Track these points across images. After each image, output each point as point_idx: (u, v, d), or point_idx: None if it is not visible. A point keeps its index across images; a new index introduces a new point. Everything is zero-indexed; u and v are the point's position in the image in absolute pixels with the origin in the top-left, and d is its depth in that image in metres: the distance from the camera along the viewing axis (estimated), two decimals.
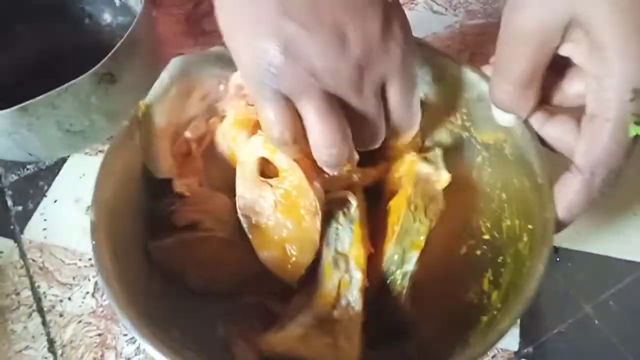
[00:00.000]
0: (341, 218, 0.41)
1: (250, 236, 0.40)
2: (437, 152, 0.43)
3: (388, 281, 0.40)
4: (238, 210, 0.40)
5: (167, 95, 0.41)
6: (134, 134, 0.40)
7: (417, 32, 0.36)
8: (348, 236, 0.40)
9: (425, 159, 0.43)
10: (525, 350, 0.47)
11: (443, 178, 0.42)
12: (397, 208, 0.41)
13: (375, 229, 0.42)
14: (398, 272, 0.39)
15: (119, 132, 0.40)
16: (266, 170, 0.41)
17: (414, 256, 0.39)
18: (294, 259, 0.40)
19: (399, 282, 0.40)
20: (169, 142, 0.42)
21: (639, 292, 0.49)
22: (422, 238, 0.40)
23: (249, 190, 0.40)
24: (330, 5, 0.32)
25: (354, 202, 0.41)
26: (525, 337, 0.47)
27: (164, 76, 0.41)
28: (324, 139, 0.34)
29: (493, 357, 0.47)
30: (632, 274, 0.49)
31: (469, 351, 0.33)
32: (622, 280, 0.49)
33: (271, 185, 0.40)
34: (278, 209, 0.40)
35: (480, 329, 0.36)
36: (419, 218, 0.40)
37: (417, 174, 0.42)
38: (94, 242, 0.35)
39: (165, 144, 0.41)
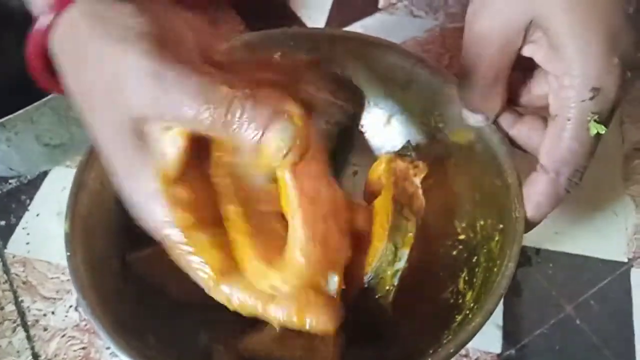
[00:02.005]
0: None
1: None
2: (408, 145, 0.45)
3: (375, 281, 0.41)
4: None
5: None
6: None
7: (398, 37, 0.38)
8: None
9: (400, 156, 0.44)
10: (508, 353, 0.48)
11: (420, 168, 0.43)
12: (383, 207, 0.43)
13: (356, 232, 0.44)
14: (389, 270, 0.41)
15: (89, 145, 0.41)
16: None
17: (405, 253, 0.40)
18: None
19: (388, 281, 0.41)
20: None
21: (619, 292, 0.50)
22: (411, 235, 0.41)
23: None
24: None
25: None
26: (508, 339, 0.48)
27: None
28: None
29: (476, 359, 0.48)
30: (612, 273, 0.51)
31: (442, 351, 0.35)
32: (603, 280, 0.51)
33: None
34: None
35: (454, 328, 0.38)
36: (406, 215, 0.42)
37: (396, 171, 0.44)
38: (68, 253, 0.37)
39: None
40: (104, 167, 0.40)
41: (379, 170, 0.45)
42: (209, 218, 0.32)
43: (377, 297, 0.41)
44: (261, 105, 0.27)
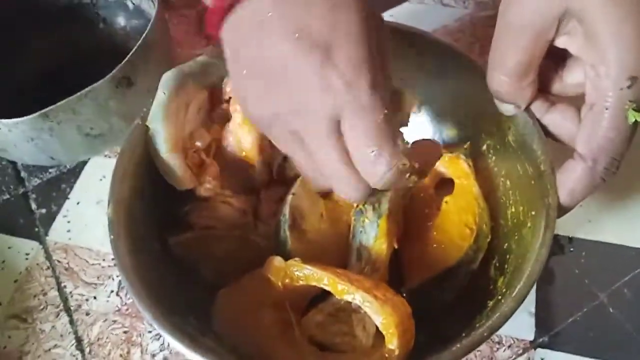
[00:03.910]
0: (370, 212, 0.44)
1: (287, 233, 0.43)
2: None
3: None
4: (286, 206, 0.44)
5: (167, 111, 0.43)
6: (145, 136, 0.43)
7: (427, 26, 0.39)
8: (374, 230, 0.43)
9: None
10: (541, 340, 0.49)
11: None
12: (464, 207, 0.46)
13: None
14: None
15: (130, 133, 0.43)
16: None
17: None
18: (333, 258, 0.44)
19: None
20: (182, 156, 0.44)
21: None
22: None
23: (305, 193, 0.44)
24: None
25: (385, 198, 0.44)
26: (541, 326, 0.49)
27: (160, 93, 0.43)
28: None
29: (509, 346, 0.49)
30: None
31: (475, 335, 0.35)
32: (636, 268, 0.51)
33: (324, 198, 0.45)
34: (323, 220, 0.44)
35: (486, 313, 0.39)
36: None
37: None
38: (112, 237, 0.39)
39: (179, 158, 0.43)
40: (150, 152, 0.43)
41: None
42: None
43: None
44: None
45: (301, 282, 0.41)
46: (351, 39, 0.33)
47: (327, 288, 0.40)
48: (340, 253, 0.45)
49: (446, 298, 0.44)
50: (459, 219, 0.46)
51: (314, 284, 0.40)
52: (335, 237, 0.46)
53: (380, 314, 0.38)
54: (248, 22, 0.34)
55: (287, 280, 0.41)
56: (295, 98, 0.34)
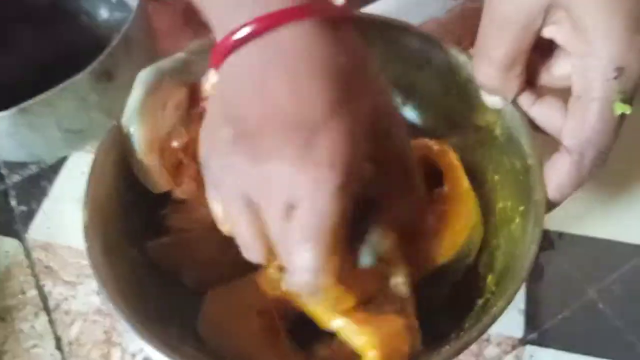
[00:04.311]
0: None
1: None
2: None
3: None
4: None
5: (143, 110, 0.41)
6: (120, 137, 0.42)
7: (418, 17, 0.38)
8: None
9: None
10: (530, 337, 0.49)
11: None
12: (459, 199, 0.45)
13: None
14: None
15: (107, 133, 0.42)
16: None
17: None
18: None
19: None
20: (157, 157, 0.43)
21: None
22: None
23: None
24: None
25: None
26: (530, 323, 0.49)
27: (136, 91, 0.41)
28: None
29: (498, 344, 0.48)
30: (635, 257, 0.51)
31: (464, 335, 0.35)
32: (626, 264, 0.51)
33: None
34: None
35: (476, 312, 0.38)
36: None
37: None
38: (87, 244, 0.38)
39: (155, 159, 0.43)
40: (126, 154, 0.42)
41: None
42: None
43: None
44: None
45: (293, 298, 0.40)
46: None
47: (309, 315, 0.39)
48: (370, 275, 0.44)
49: (441, 294, 0.44)
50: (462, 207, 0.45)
51: (300, 305, 0.40)
52: None
53: (360, 335, 0.36)
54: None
55: (277, 292, 0.40)
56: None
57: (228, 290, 0.42)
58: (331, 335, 0.41)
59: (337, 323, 0.37)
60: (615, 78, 0.33)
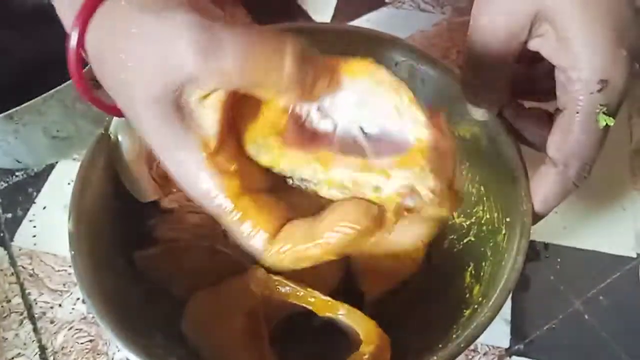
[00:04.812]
0: None
1: None
2: None
3: None
4: None
5: None
6: (108, 145, 0.42)
7: (404, 31, 0.38)
8: None
9: None
10: (516, 347, 0.49)
11: None
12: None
13: None
14: None
15: (94, 141, 0.41)
16: None
17: None
18: (324, 276, 0.44)
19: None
20: (145, 167, 0.43)
21: (628, 287, 0.51)
22: None
23: None
24: None
25: None
26: (516, 334, 0.49)
27: None
28: None
29: (484, 354, 0.49)
30: (621, 268, 0.52)
31: (451, 346, 0.35)
32: (612, 275, 0.52)
33: None
34: None
35: (462, 323, 0.38)
36: None
37: None
38: (72, 252, 0.38)
39: (143, 168, 0.43)
40: (113, 163, 0.41)
41: None
42: (251, 185, 0.32)
43: None
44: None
45: (282, 298, 0.40)
46: None
47: (309, 307, 0.39)
48: (330, 270, 0.45)
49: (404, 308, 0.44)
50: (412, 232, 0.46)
51: (295, 302, 0.40)
52: None
53: (365, 324, 0.37)
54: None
55: (266, 292, 0.40)
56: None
57: (214, 291, 0.42)
58: (315, 338, 0.42)
59: (342, 312, 0.38)
60: (599, 91, 0.34)
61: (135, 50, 0.30)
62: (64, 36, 0.32)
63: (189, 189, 0.32)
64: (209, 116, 0.30)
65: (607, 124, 0.34)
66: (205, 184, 0.31)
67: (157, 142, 0.31)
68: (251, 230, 0.32)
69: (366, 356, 0.37)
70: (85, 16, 0.31)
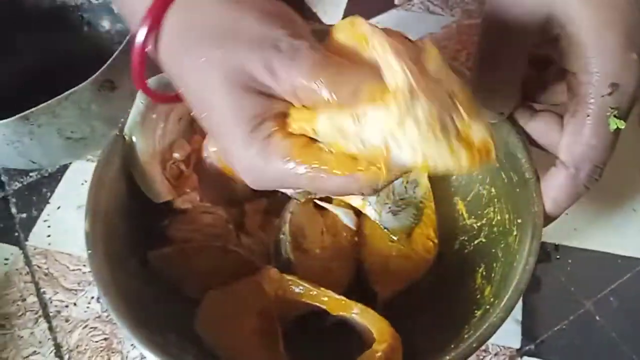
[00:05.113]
0: None
1: (290, 255, 0.44)
2: None
3: None
4: (286, 225, 0.44)
5: (146, 121, 0.42)
6: (122, 146, 0.42)
7: (414, 33, 0.39)
8: None
9: None
10: (527, 348, 0.49)
11: None
12: (425, 221, 0.47)
13: None
14: None
15: (109, 142, 0.42)
16: None
17: None
18: (336, 277, 0.44)
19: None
20: (159, 167, 0.44)
21: (638, 288, 0.51)
22: None
23: (303, 210, 0.45)
24: None
25: None
26: (527, 334, 0.50)
27: (139, 102, 0.42)
28: None
29: (495, 354, 0.49)
30: (631, 269, 0.52)
31: (464, 345, 0.36)
32: (622, 276, 0.52)
33: (321, 216, 0.45)
34: (325, 237, 0.45)
35: (474, 323, 0.39)
36: None
37: None
38: (89, 251, 0.38)
39: (157, 169, 0.43)
40: (128, 164, 0.42)
41: None
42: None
43: None
44: None
45: (296, 298, 0.41)
46: None
47: (322, 306, 0.40)
48: (342, 269, 0.46)
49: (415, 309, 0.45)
50: (420, 232, 0.46)
51: (309, 301, 0.41)
52: (337, 252, 0.46)
53: (378, 322, 0.38)
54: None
55: (280, 292, 0.41)
56: None
57: (227, 290, 0.43)
58: (326, 338, 0.42)
59: (356, 311, 0.39)
60: (610, 94, 0.34)
61: (204, 39, 0.31)
62: (79, 41, 0.33)
63: (260, 162, 0.32)
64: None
65: (617, 127, 0.35)
66: (282, 148, 0.31)
67: (223, 119, 0.32)
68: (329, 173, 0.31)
69: (379, 354, 0.37)
70: (159, 11, 0.32)
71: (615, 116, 0.34)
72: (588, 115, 0.35)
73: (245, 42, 0.30)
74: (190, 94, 0.33)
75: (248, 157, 0.31)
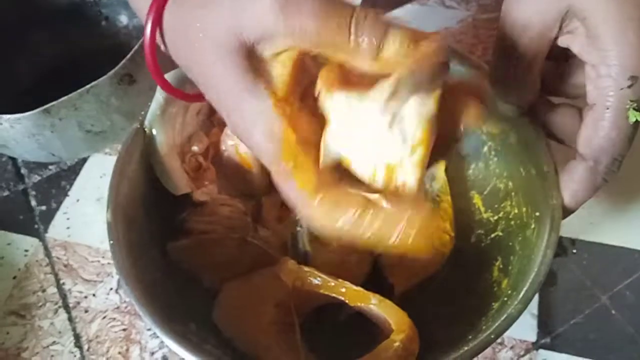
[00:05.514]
0: None
1: (308, 247, 0.44)
2: None
3: None
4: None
5: (165, 114, 0.43)
6: (142, 139, 0.43)
7: (429, 28, 0.39)
8: None
9: None
10: (543, 341, 0.49)
11: None
12: (441, 214, 0.47)
13: None
14: None
15: (129, 135, 0.43)
16: None
17: None
18: (352, 270, 0.44)
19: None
20: (179, 160, 0.44)
21: None
22: None
23: None
24: None
25: None
26: (543, 328, 0.50)
27: (159, 96, 0.42)
28: None
29: (511, 347, 0.49)
30: None
31: (481, 337, 0.36)
32: (639, 271, 0.52)
33: None
34: None
35: (491, 315, 0.39)
36: None
37: None
38: (111, 242, 0.39)
39: (176, 162, 0.44)
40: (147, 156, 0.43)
41: None
42: (307, 140, 0.34)
43: None
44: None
45: (314, 289, 0.41)
46: None
47: (340, 297, 0.40)
48: (359, 262, 0.46)
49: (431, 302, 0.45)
50: (436, 225, 0.46)
51: (327, 292, 0.41)
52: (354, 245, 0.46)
53: (396, 313, 0.39)
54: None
55: (297, 283, 0.41)
56: None
57: (245, 281, 0.43)
58: (342, 331, 0.43)
59: (374, 301, 0.39)
60: (629, 87, 0.34)
61: (211, 14, 0.32)
62: (97, 36, 0.34)
63: (247, 137, 0.34)
64: (279, 70, 0.33)
65: (637, 120, 0.35)
66: (267, 127, 0.33)
67: (224, 90, 0.33)
68: (299, 183, 0.33)
69: (397, 343, 0.37)
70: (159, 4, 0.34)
71: (634, 109, 0.35)
72: (607, 108, 0.35)
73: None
74: (194, 76, 0.35)
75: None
